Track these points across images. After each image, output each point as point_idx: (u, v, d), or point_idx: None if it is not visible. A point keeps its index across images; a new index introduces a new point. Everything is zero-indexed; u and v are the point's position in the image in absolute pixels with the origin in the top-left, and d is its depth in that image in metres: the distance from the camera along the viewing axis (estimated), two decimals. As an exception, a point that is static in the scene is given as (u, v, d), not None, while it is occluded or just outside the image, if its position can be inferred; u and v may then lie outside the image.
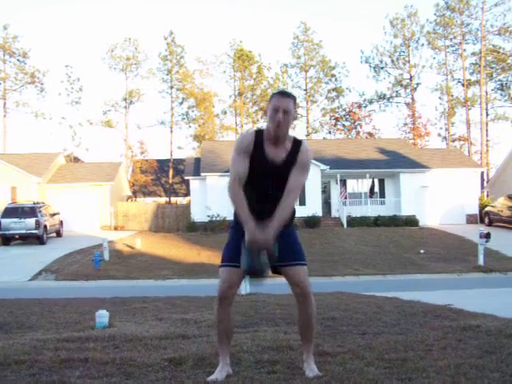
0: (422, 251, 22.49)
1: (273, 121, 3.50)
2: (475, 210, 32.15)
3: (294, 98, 3.61)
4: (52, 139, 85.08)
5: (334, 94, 53.56)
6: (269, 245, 3.37)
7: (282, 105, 3.50)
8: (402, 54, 52.28)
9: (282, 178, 3.55)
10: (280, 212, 3.45)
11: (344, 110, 54.24)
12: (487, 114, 50.53)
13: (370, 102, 53.98)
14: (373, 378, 3.37)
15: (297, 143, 3.62)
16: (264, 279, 3.52)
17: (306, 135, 52.36)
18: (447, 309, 7.17)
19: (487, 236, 18.58)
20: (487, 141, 50.30)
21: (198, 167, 32.39)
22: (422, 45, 51.48)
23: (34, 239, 24.79)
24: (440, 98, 52.58)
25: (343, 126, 54.54)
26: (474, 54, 50.64)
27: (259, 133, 3.62)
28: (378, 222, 29.83)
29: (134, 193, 48.36)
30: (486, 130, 50.00)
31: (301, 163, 3.56)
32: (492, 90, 51.72)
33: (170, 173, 49.66)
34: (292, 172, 3.54)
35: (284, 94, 3.58)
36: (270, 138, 3.58)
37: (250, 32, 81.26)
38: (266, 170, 3.56)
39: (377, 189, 32.65)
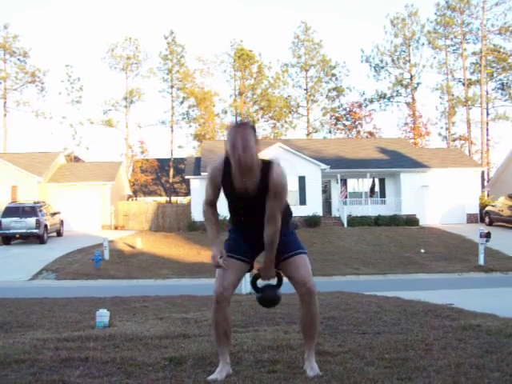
0: (422, 251, 22.49)
1: (233, 158, 3.36)
2: (476, 210, 32.14)
3: (250, 127, 3.43)
4: (52, 138, 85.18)
5: (334, 93, 53.54)
6: (271, 277, 3.61)
7: (239, 143, 3.32)
8: (403, 53, 52.26)
9: (257, 204, 3.49)
10: (267, 243, 3.52)
11: (344, 109, 54.24)
12: (488, 114, 50.50)
13: (371, 102, 53.96)
14: (373, 378, 3.37)
15: (265, 168, 3.45)
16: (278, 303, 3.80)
17: (307, 135, 52.38)
18: (448, 308, 7.17)
19: (488, 235, 18.58)
20: (488, 140, 50.27)
21: (198, 167, 32.39)
22: (423, 44, 51.48)
23: (35, 238, 24.81)
24: (440, 97, 52.59)
25: (344, 125, 54.54)
26: (474, 53, 50.64)
27: (228, 162, 3.47)
28: (378, 221, 29.83)
29: (135, 192, 48.37)
30: (487, 130, 49.98)
31: (273, 189, 3.42)
32: (492, 89, 51.73)
33: (171, 172, 49.65)
34: (267, 200, 3.45)
35: (239, 127, 3.41)
36: (237, 172, 3.44)
37: (251, 31, 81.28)
38: (239, 200, 3.56)
39: (377, 188, 32.62)
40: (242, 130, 3.39)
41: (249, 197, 3.50)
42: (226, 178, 3.51)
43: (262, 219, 3.51)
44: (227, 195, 3.59)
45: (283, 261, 3.61)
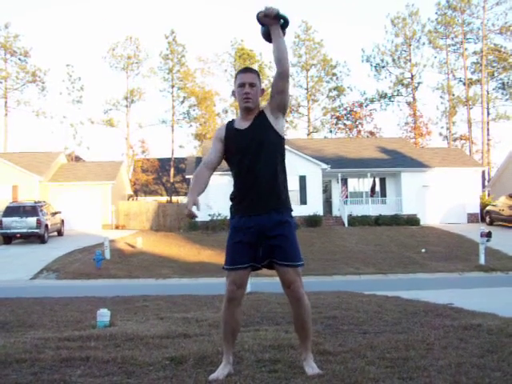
0: (423, 250, 22.47)
1: (240, 96, 3.62)
2: (476, 209, 32.13)
3: (256, 72, 3.74)
4: (53, 138, 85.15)
5: (335, 92, 53.56)
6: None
7: (246, 79, 3.62)
8: (404, 52, 52.26)
9: (257, 144, 3.57)
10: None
11: (345, 108, 54.23)
12: (488, 113, 50.51)
13: (371, 101, 53.97)
14: (374, 377, 3.37)
15: (261, 110, 3.68)
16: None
17: (308, 134, 52.38)
18: (448, 308, 7.17)
19: (488, 235, 18.57)
20: (488, 140, 50.28)
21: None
22: (424, 44, 51.51)
23: (36, 238, 24.82)
24: (441, 97, 52.62)
25: (344, 125, 54.53)
26: (475, 53, 50.63)
27: (230, 121, 3.80)
28: (379, 221, 29.83)
29: (136, 192, 48.38)
30: (487, 130, 49.98)
31: (270, 102, 3.64)
32: (493, 89, 51.71)
33: (171, 172, 49.67)
34: (269, 141, 3.59)
35: (246, 70, 3.75)
36: (241, 117, 3.70)
37: (251, 31, 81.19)
38: (240, 141, 3.62)
39: (378, 188, 32.63)
40: (249, 72, 3.71)
41: (247, 133, 3.61)
42: (228, 132, 3.71)
43: (265, 172, 3.56)
44: (231, 148, 3.67)
45: (277, 264, 3.58)
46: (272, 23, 3.63)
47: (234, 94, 3.72)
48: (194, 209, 3.51)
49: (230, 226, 3.74)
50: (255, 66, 51.95)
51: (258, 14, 3.66)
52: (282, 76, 3.58)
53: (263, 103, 3.78)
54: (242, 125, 3.67)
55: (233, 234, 3.66)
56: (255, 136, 3.60)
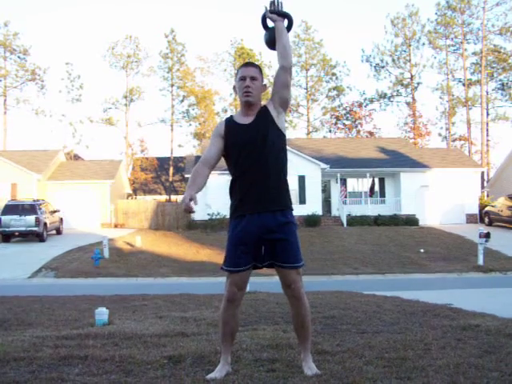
0: (421, 250, 22.49)
1: (241, 89, 3.59)
2: (475, 210, 32.15)
3: (258, 67, 3.70)
4: (52, 136, 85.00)
5: (334, 92, 53.58)
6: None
7: (247, 73, 3.59)
8: (403, 53, 52.29)
9: (259, 139, 3.53)
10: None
11: (345, 108, 54.26)
12: (488, 114, 50.54)
13: (371, 101, 54.02)
14: (372, 377, 3.37)
15: (263, 106, 3.67)
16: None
17: (307, 134, 52.39)
18: (447, 308, 7.17)
19: (487, 236, 18.58)
20: (487, 141, 50.32)
21: (198, 165, 32.35)
22: (423, 44, 51.55)
23: (34, 236, 24.80)
24: (441, 97, 52.68)
25: (344, 124, 54.56)
26: (474, 53, 50.68)
27: (229, 117, 3.76)
28: (378, 221, 29.84)
29: (134, 191, 48.36)
30: (487, 130, 50.02)
31: (273, 96, 3.63)
32: (493, 89, 51.78)
33: (171, 171, 49.66)
34: (270, 137, 3.55)
35: (248, 64, 3.72)
36: (242, 113, 3.66)
37: (251, 30, 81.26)
38: (242, 136, 3.57)
39: (377, 188, 32.63)
40: (250, 66, 3.68)
41: (248, 129, 3.57)
42: (228, 127, 3.65)
43: (269, 166, 3.52)
44: (232, 145, 3.60)
45: (278, 266, 3.57)
46: (278, 19, 3.67)
47: (234, 89, 3.69)
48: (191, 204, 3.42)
49: (230, 225, 3.66)
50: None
51: (264, 13, 3.72)
52: (286, 69, 3.59)
53: (263, 101, 3.76)
54: (245, 120, 3.61)
55: (234, 234, 3.57)
56: (260, 131, 3.55)
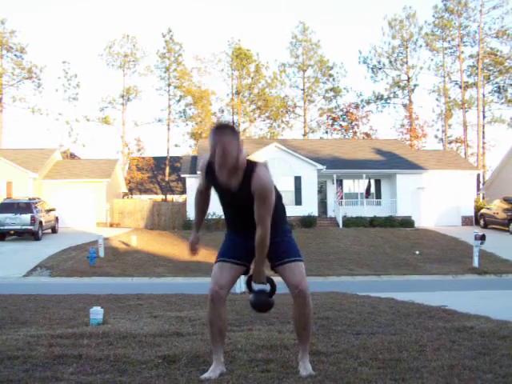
0: (417, 252, 22.52)
1: (213, 158, 3.43)
2: (471, 212, 32.22)
3: (230, 129, 3.44)
4: (48, 135, 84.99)
5: (331, 93, 53.60)
6: (263, 280, 3.60)
7: (218, 140, 3.37)
8: (400, 55, 52.37)
9: (244, 204, 3.50)
10: (256, 245, 3.52)
11: (341, 110, 54.32)
12: (484, 117, 50.65)
13: (368, 103, 54.05)
14: (366, 378, 3.38)
15: (249, 169, 3.47)
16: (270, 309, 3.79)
17: (304, 135, 52.41)
18: (441, 310, 7.18)
19: (482, 238, 18.62)
20: (483, 143, 50.43)
21: (194, 165, 32.38)
22: (420, 46, 51.63)
23: (29, 235, 24.72)
24: (437, 99, 52.76)
25: (340, 126, 54.62)
26: (471, 56, 50.78)
27: (210, 159, 3.55)
28: (373, 222, 29.86)
29: (130, 190, 48.29)
30: (483, 133, 50.14)
31: (255, 191, 3.42)
32: (489, 92, 51.88)
33: (167, 170, 49.60)
34: (254, 202, 3.47)
35: (218, 128, 3.45)
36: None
37: (249, 31, 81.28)
38: (227, 198, 3.61)
39: (373, 189, 32.69)
40: (221, 130, 3.42)
41: (235, 195, 3.53)
42: (209, 177, 3.62)
43: (253, 219, 3.51)
44: (216, 191, 3.68)
45: (280, 265, 3.62)
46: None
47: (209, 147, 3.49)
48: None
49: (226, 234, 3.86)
50: (252, 66, 51.93)
51: (249, 277, 3.71)
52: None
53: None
54: (225, 178, 3.47)
55: (227, 238, 3.80)
56: (239, 201, 3.54)
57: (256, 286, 3.64)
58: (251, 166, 3.48)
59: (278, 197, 3.67)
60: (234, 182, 3.49)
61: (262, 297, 3.63)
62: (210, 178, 3.61)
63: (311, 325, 3.73)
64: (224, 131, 3.42)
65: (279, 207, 3.66)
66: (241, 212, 3.59)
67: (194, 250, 3.89)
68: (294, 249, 3.66)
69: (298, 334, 3.73)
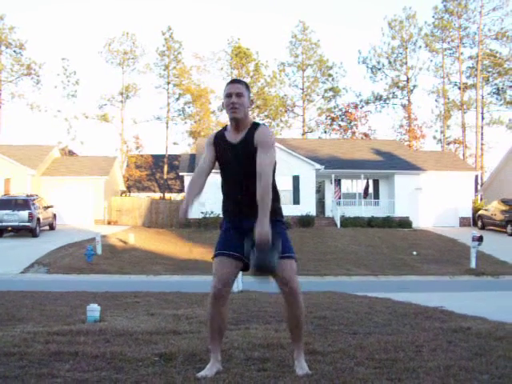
0: (414, 253, 22.54)
1: (228, 106, 3.66)
2: (468, 213, 32.26)
3: (244, 83, 3.76)
4: (47, 132, 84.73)
5: (330, 93, 53.60)
6: (267, 236, 3.37)
7: (233, 90, 3.65)
8: (400, 55, 52.39)
9: (244, 159, 3.59)
10: (259, 201, 3.47)
11: (340, 110, 54.31)
12: (483, 118, 50.72)
13: (367, 103, 54.07)
14: (363, 378, 3.38)
15: (255, 125, 3.70)
16: (270, 277, 3.59)
17: (302, 134, 52.41)
18: (438, 311, 7.19)
19: (480, 239, 18.63)
20: (482, 144, 50.51)
21: (192, 163, 32.37)
22: (420, 47, 51.67)
23: (27, 232, 24.69)
24: (436, 100, 52.83)
25: (339, 125, 54.61)
26: (471, 57, 50.81)
27: (221, 130, 3.83)
28: (371, 222, 29.88)
29: (129, 188, 48.24)
30: (481, 134, 50.20)
31: (259, 141, 3.59)
32: (488, 93, 51.97)
33: (165, 168, 49.56)
34: (257, 155, 3.57)
35: (234, 81, 3.75)
36: (231, 129, 3.73)
37: (248, 30, 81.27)
38: (228, 154, 3.67)
39: (371, 189, 32.71)
40: (237, 83, 3.73)
41: (236, 148, 3.64)
42: (217, 141, 3.76)
43: (252, 182, 3.52)
44: (220, 158, 3.73)
45: None
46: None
47: (223, 105, 3.75)
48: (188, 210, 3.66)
49: (222, 224, 3.81)
50: (251, 65, 51.95)
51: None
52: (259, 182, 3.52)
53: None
54: (233, 137, 3.70)
55: (225, 223, 3.78)
56: (240, 151, 3.64)
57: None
58: (255, 125, 3.71)
59: (273, 170, 3.71)
60: (239, 136, 3.68)
61: (265, 256, 3.42)
62: (218, 141, 3.74)
63: (303, 323, 3.72)
64: (239, 82, 3.74)
65: (274, 179, 3.68)
66: (239, 171, 3.62)
67: (185, 215, 3.67)
68: (287, 244, 3.64)
69: (291, 332, 3.74)
